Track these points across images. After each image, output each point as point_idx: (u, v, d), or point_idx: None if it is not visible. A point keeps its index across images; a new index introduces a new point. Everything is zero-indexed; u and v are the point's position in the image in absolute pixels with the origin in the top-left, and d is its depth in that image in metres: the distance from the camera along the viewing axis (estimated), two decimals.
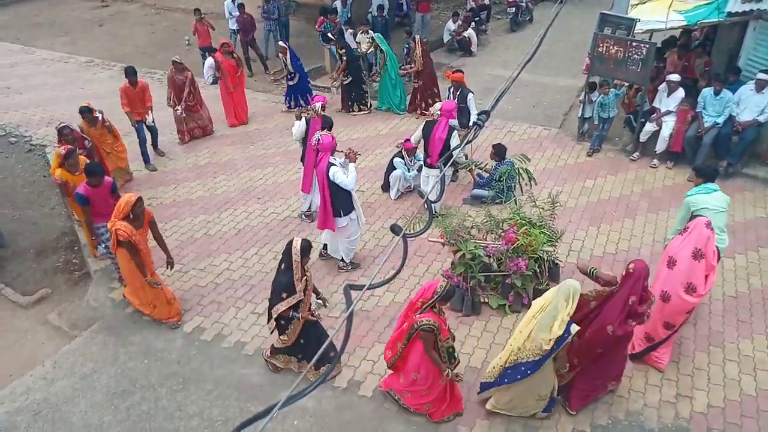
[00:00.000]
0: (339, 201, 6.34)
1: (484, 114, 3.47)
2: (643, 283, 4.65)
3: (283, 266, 5.07)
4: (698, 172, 6.03)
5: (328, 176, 6.20)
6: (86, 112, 7.89)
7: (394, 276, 2.78)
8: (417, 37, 10.66)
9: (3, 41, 15.82)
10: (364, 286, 2.19)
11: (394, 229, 2.52)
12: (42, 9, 18.86)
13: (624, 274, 4.70)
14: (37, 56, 14.75)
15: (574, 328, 4.43)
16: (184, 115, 9.80)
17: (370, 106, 11.02)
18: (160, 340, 6.08)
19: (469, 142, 7.44)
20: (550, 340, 4.40)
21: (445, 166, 6.13)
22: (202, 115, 10.13)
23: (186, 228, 7.86)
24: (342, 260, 6.86)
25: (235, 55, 10.47)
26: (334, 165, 6.26)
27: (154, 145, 9.53)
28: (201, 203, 8.39)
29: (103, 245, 6.72)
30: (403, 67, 10.88)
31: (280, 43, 10.96)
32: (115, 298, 6.64)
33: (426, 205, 3.00)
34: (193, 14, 12.91)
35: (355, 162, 6.44)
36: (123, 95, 8.77)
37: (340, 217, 6.42)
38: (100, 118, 7.98)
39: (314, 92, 11.17)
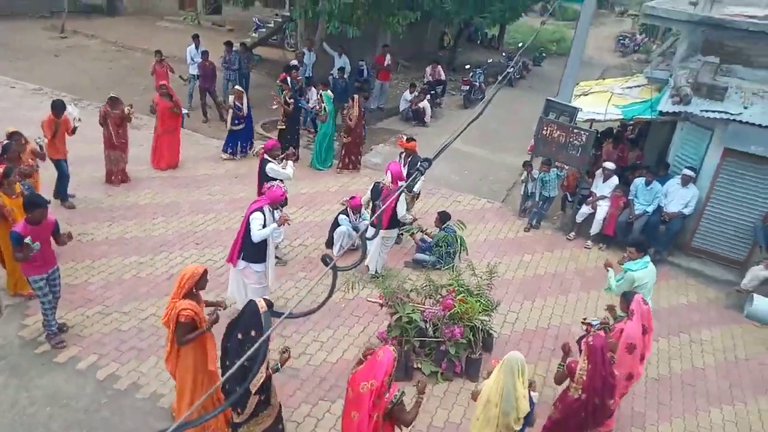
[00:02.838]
0: (248, 244, 6.21)
1: (427, 161, 3.57)
2: (606, 353, 4.76)
3: (253, 332, 4.31)
4: (637, 246, 6.32)
5: (248, 217, 6.18)
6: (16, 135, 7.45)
7: (318, 307, 2.73)
8: (355, 96, 11.07)
9: None
10: (284, 314, 2.11)
11: (325, 260, 2.51)
12: None
13: (586, 349, 4.75)
14: None
15: (535, 395, 4.48)
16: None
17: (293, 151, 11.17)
18: (70, 384, 5.63)
19: (410, 187, 7.66)
20: (518, 419, 4.33)
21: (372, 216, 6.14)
22: (126, 158, 9.62)
23: (115, 268, 7.49)
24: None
25: (174, 98, 10.26)
26: (260, 213, 6.16)
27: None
28: (135, 243, 8.06)
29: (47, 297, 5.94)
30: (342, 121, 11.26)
31: (237, 87, 11.07)
32: (25, 336, 6.16)
33: (360, 240, 3.02)
34: (153, 55, 12.92)
35: (280, 225, 6.42)
36: (46, 128, 8.21)
37: (241, 259, 6.32)
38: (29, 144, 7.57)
39: (254, 139, 11.32)
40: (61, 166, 8.55)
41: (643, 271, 6.11)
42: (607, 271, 6.43)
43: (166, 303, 6.64)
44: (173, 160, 10.45)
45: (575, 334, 6.73)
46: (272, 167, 7.70)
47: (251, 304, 4.47)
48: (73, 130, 8.61)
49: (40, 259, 5.72)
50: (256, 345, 3.34)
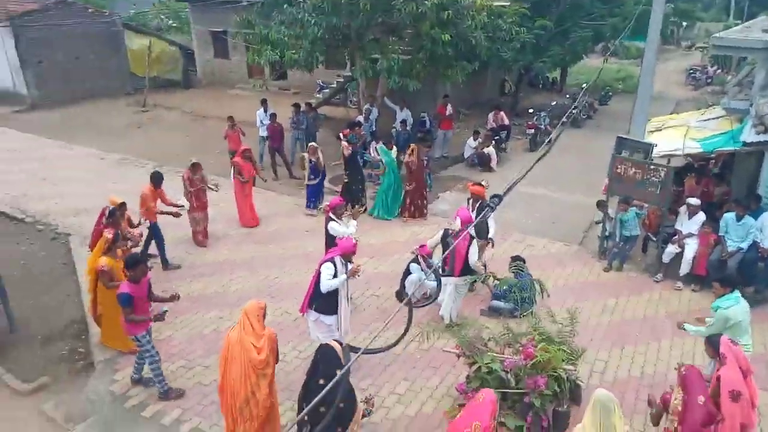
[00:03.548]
0: (318, 295, 6.26)
1: (497, 197, 3.47)
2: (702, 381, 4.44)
3: (338, 372, 4.26)
4: (722, 282, 5.93)
5: (320, 269, 6.27)
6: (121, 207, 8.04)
7: (396, 342, 2.64)
8: (412, 144, 11.24)
9: (48, 138, 16.81)
10: (361, 349, 2.02)
11: (400, 296, 2.43)
12: (87, 111, 20.26)
13: (680, 379, 4.48)
14: (75, 152, 15.56)
15: None
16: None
17: (364, 205, 11.29)
18: None
19: (483, 232, 7.54)
20: None
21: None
22: (207, 217, 10.09)
23: (196, 323, 7.71)
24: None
25: (253, 160, 11.01)
26: (331, 264, 6.22)
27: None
28: (215, 299, 8.30)
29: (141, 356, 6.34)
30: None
31: (311, 144, 11.49)
32: (116, 392, 6.36)
33: (434, 278, 2.95)
34: (226, 121, 13.70)
35: (352, 277, 6.41)
36: (150, 200, 8.80)
37: (313, 309, 6.35)
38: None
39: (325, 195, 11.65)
40: (155, 230, 9.05)
41: (735, 307, 5.65)
42: (685, 329, 5.98)
43: None
44: (257, 219, 10.93)
45: (672, 383, 6.18)
46: (333, 226, 7.83)
47: (323, 349, 4.48)
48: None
49: (142, 314, 6.05)
50: (338, 377, 3.30)
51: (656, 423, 4.72)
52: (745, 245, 8.19)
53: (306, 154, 11.22)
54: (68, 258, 9.56)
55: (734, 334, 5.55)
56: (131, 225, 8.30)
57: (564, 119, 15.37)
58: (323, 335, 6.41)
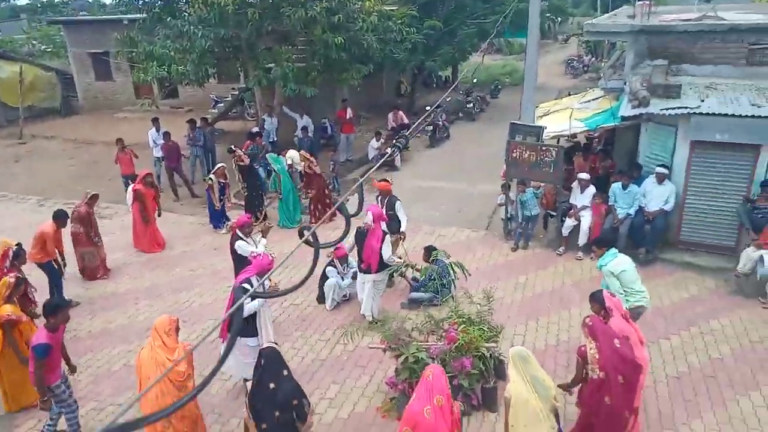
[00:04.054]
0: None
1: (404, 138, 3.50)
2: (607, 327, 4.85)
3: (285, 372, 4.43)
4: (599, 242, 6.64)
5: (235, 291, 6.05)
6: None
7: (298, 286, 2.60)
8: (302, 152, 11.35)
9: None
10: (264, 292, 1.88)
11: (302, 233, 2.38)
12: None
13: (587, 331, 4.81)
14: None
15: (559, 407, 4.51)
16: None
17: (265, 215, 11.20)
18: None
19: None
20: (555, 396, 4.42)
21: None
22: (102, 252, 9.39)
23: (102, 360, 7.12)
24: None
25: (155, 186, 10.52)
26: (248, 285, 5.88)
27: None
28: (120, 332, 7.72)
29: (57, 408, 5.60)
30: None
31: (221, 165, 11.04)
32: None
33: (343, 213, 2.89)
34: (115, 144, 12.87)
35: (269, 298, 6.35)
36: (53, 240, 8.06)
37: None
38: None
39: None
40: (50, 267, 8.23)
41: (614, 260, 6.21)
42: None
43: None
44: (161, 244, 10.35)
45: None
46: (241, 245, 7.55)
47: (266, 352, 4.42)
48: None
49: (54, 363, 5.42)
50: (230, 311, 3.24)
51: (579, 378, 4.97)
52: (632, 211, 8.89)
53: (213, 176, 10.74)
54: None
55: (630, 282, 6.14)
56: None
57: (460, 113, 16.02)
58: (246, 359, 6.03)
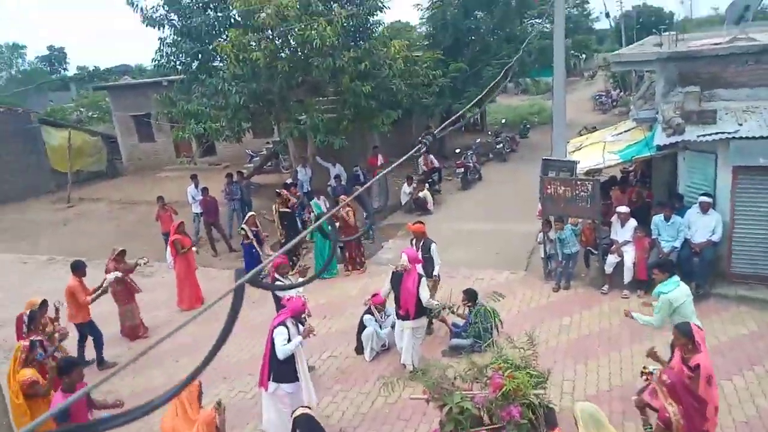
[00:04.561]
0: (275, 364, 5.96)
1: (431, 135, 3.39)
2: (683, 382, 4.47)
3: None
4: (660, 267, 6.13)
5: (272, 336, 6.00)
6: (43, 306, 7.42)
7: (307, 281, 2.44)
8: (341, 197, 11.24)
9: None
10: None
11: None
12: (6, 214, 19.15)
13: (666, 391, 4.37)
14: None
15: None
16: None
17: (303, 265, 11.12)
18: None
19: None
20: None
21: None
22: (138, 308, 9.48)
23: (146, 421, 7.09)
24: None
25: (187, 233, 10.72)
26: (283, 328, 5.97)
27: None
28: (161, 390, 7.66)
29: None
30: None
31: (250, 213, 11.26)
32: None
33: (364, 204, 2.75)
34: (156, 203, 13.30)
35: (306, 337, 6.25)
36: (80, 293, 8.19)
37: (271, 381, 6.02)
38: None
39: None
40: (90, 327, 8.42)
41: (676, 291, 5.81)
42: (633, 318, 6.07)
43: None
44: (200, 299, 10.46)
45: (638, 388, 6.17)
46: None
47: (302, 420, 4.21)
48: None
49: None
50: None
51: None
52: (678, 244, 8.53)
53: (246, 226, 10.94)
54: None
55: (683, 316, 5.70)
56: (52, 321, 7.60)
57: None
58: (284, 407, 6.02)
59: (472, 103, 12.97)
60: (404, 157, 3.35)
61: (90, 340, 8.58)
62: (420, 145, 3.41)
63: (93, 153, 23.54)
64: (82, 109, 33.00)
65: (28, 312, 7.05)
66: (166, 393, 1.56)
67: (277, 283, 7.61)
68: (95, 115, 30.79)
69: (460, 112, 8.51)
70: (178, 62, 14.35)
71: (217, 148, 22.11)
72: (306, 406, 4.57)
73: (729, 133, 8.14)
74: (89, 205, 19.49)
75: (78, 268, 8.37)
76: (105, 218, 17.66)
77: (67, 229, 16.93)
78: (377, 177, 10.15)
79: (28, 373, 5.90)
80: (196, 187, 13.73)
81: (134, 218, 17.13)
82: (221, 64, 13.61)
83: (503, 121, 25.91)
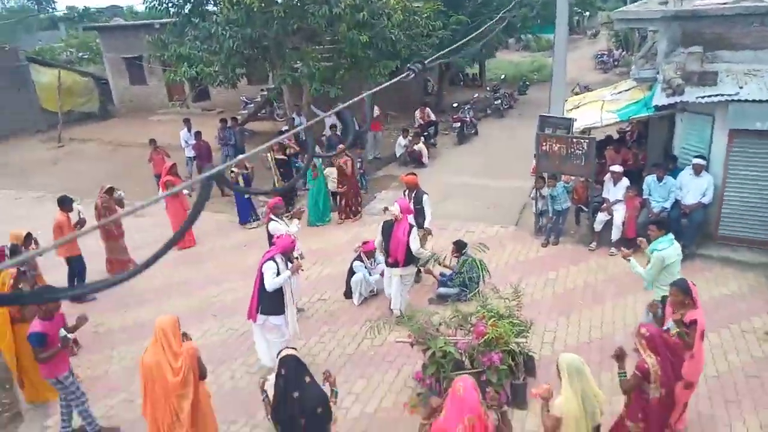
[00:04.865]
0: (264, 297, 6.15)
1: (420, 63, 3.35)
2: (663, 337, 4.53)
3: (308, 379, 4.31)
4: (658, 224, 6.18)
5: (261, 270, 6.15)
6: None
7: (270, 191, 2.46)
8: (340, 146, 11.16)
9: None
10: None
11: None
12: None
13: (646, 343, 4.44)
14: None
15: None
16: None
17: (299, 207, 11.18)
18: None
19: (420, 223, 7.50)
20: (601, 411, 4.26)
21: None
22: (125, 246, 9.48)
23: (135, 353, 7.20)
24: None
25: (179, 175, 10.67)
26: (272, 263, 6.11)
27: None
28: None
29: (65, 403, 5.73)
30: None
31: (239, 156, 11.19)
32: None
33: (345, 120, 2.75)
34: (149, 146, 13.17)
35: (295, 273, 6.41)
36: (66, 228, 8.19)
37: (259, 313, 6.23)
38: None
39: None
40: (78, 261, 8.48)
41: (669, 249, 5.90)
42: (629, 261, 6.13)
43: None
44: (193, 240, 10.51)
45: (618, 344, 6.34)
46: (274, 226, 7.64)
47: (286, 360, 4.29)
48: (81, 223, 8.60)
49: (61, 354, 5.53)
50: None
51: (628, 391, 4.56)
52: (668, 204, 8.59)
53: (236, 169, 10.90)
54: None
55: (671, 275, 5.80)
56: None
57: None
58: (274, 338, 6.24)
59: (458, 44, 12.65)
60: (393, 80, 3.28)
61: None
62: (408, 72, 3.34)
63: (84, 94, 23.08)
64: (71, 50, 32.12)
65: (9, 245, 7.11)
66: (134, 269, 1.63)
67: (272, 223, 7.63)
68: (85, 56, 30.03)
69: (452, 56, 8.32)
70: (170, 4, 13.91)
71: (211, 93, 21.73)
72: (292, 347, 4.65)
73: (729, 95, 8.08)
74: (80, 146, 19.27)
75: (65, 203, 8.38)
76: (96, 158, 17.49)
77: (57, 168, 16.78)
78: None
79: None
80: (189, 131, 13.58)
81: (125, 160, 16.97)
82: (215, 8, 13.22)
83: (503, 76, 25.54)
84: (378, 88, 3.31)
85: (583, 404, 4.11)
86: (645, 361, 4.36)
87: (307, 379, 4.27)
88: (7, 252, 7.09)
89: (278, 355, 4.43)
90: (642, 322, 5.81)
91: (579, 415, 4.10)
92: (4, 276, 6.33)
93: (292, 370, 4.24)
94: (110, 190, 9.21)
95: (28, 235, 7.28)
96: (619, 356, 4.61)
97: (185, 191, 11.07)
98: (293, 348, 4.63)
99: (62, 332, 5.55)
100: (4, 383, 6.91)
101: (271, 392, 4.37)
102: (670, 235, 6.02)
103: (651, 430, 4.41)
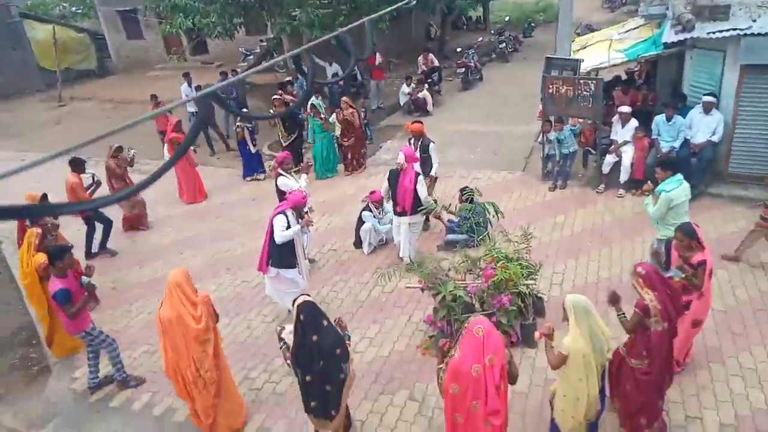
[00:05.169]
0: (275, 250, 6.22)
1: None
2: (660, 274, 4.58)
3: (325, 323, 4.42)
4: (664, 165, 6.14)
5: (272, 223, 6.20)
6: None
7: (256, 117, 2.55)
8: (345, 98, 11.01)
9: None
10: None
11: None
12: None
13: (641, 281, 4.47)
14: None
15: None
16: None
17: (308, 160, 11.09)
18: (128, 427, 5.54)
19: (426, 170, 7.46)
20: (609, 348, 4.39)
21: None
22: (143, 200, 9.57)
23: (153, 307, 7.38)
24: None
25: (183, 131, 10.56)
26: (283, 216, 6.18)
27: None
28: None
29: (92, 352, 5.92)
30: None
31: (243, 109, 11.16)
32: (77, 389, 6.10)
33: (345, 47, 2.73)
34: (150, 101, 13.03)
35: (305, 227, 6.47)
36: (79, 190, 8.28)
37: (270, 266, 6.33)
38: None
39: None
40: (98, 216, 8.60)
41: (677, 189, 5.89)
42: (647, 196, 6.15)
43: None
44: (203, 193, 10.60)
45: (627, 284, 6.42)
46: (283, 181, 7.63)
47: (303, 306, 4.37)
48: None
49: (84, 309, 5.70)
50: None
51: (631, 330, 4.59)
52: (677, 144, 8.51)
53: (241, 123, 10.83)
54: (2, 265, 8.98)
55: (677, 215, 5.84)
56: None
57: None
58: (287, 289, 6.38)
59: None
60: (393, 7, 3.21)
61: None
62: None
63: (81, 50, 22.67)
64: (64, 4, 31.27)
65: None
66: (135, 186, 1.72)
67: (281, 178, 7.63)
68: (79, 11, 29.28)
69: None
70: None
71: (209, 46, 21.28)
72: (306, 294, 4.76)
73: (741, 29, 7.85)
74: (81, 104, 19.11)
75: (78, 165, 8.38)
76: (98, 117, 17.37)
77: (59, 128, 16.71)
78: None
79: (42, 258, 6.16)
80: (189, 85, 13.39)
81: (126, 116, 16.85)
82: None
83: (507, 18, 24.83)
84: (378, 14, 3.23)
85: (592, 342, 4.20)
86: (643, 298, 4.44)
87: (325, 322, 4.39)
88: None
89: (294, 302, 4.53)
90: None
91: (587, 351, 4.19)
92: (30, 234, 6.51)
93: (309, 315, 4.35)
94: (119, 149, 9.20)
95: (44, 197, 7.32)
96: (613, 299, 4.69)
97: (191, 147, 11.05)
98: (308, 295, 4.74)
99: (84, 279, 5.79)
100: (31, 340, 7.17)
101: (289, 339, 4.49)
102: (679, 176, 5.98)
103: (655, 365, 4.52)
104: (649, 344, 4.48)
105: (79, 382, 6.19)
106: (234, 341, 6.56)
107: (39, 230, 6.48)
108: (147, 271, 8.31)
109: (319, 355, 4.32)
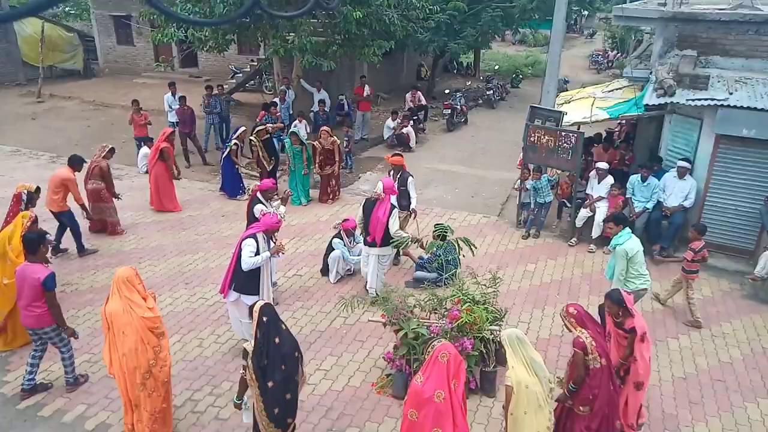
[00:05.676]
0: (239, 274, 5.93)
1: None
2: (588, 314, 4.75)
3: (284, 327, 4.40)
4: (616, 220, 6.38)
5: (240, 246, 5.95)
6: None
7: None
8: (324, 127, 10.94)
9: None
10: None
11: None
12: None
13: (573, 321, 4.65)
14: None
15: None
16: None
17: (286, 191, 10.93)
18: None
19: (404, 205, 7.31)
20: (551, 378, 4.41)
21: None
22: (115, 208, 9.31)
23: (100, 315, 7.05)
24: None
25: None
26: (252, 240, 5.91)
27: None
28: None
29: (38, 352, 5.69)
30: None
31: (242, 128, 11.05)
32: (6, 393, 5.69)
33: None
34: (131, 105, 12.81)
35: (276, 255, 6.23)
36: (69, 185, 8.16)
37: (232, 290, 6.02)
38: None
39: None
40: (68, 217, 8.37)
41: (630, 241, 6.09)
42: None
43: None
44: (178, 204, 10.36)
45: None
46: (261, 208, 7.35)
47: (265, 309, 4.29)
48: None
49: None
50: None
51: (579, 375, 4.55)
52: (650, 205, 8.62)
53: (237, 140, 10.73)
54: None
55: (636, 266, 6.05)
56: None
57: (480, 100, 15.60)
58: (247, 320, 6.02)
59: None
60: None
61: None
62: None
63: (68, 50, 22.34)
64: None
65: (25, 192, 7.23)
66: None
67: (259, 206, 7.34)
68: (72, 11, 29.10)
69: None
70: None
71: (199, 60, 21.24)
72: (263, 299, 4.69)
73: (718, 99, 8.09)
74: (60, 102, 18.70)
75: (76, 162, 8.33)
76: (75, 117, 16.99)
77: (34, 124, 16.27)
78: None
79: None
80: (173, 95, 13.22)
81: (106, 120, 16.54)
82: None
83: (496, 67, 25.45)
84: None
85: (532, 368, 4.22)
86: (579, 337, 4.51)
87: (283, 326, 4.40)
88: (24, 198, 7.20)
89: (252, 307, 4.41)
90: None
91: (529, 380, 4.19)
92: (24, 215, 6.46)
93: (271, 317, 4.29)
94: (111, 151, 9.09)
95: (38, 189, 7.43)
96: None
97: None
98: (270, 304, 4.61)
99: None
100: None
101: (250, 348, 4.31)
102: (627, 229, 6.22)
103: (596, 402, 4.52)
104: (592, 382, 4.46)
105: (9, 386, 5.79)
106: (183, 359, 6.25)
107: (33, 214, 6.48)
108: (102, 277, 7.95)
109: (281, 359, 4.21)
